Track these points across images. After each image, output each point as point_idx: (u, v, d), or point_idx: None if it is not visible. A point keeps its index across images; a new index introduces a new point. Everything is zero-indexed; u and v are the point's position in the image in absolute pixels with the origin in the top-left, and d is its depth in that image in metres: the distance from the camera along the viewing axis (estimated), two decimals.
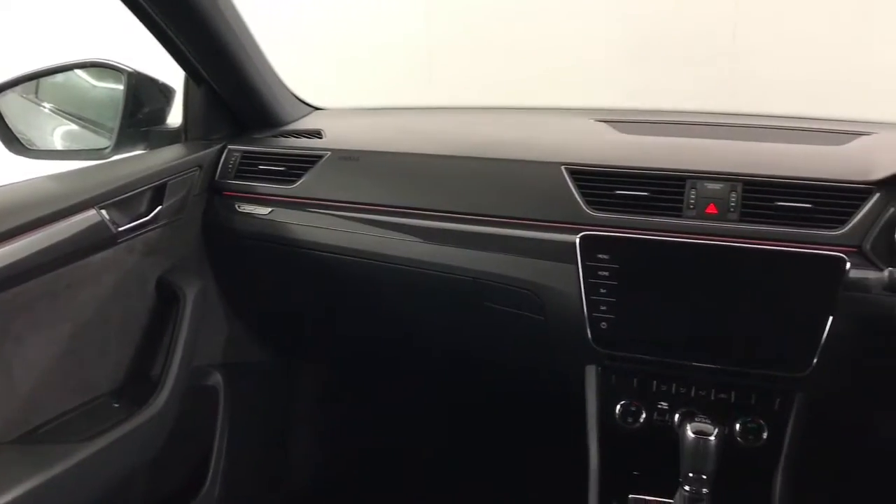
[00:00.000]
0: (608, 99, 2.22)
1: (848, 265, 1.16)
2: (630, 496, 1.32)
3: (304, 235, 1.49)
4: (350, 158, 1.51)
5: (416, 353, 1.71)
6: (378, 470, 2.00)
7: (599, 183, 1.32)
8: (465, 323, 1.45)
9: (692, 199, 1.26)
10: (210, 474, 1.63)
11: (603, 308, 1.26)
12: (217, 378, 1.65)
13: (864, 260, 1.17)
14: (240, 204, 1.54)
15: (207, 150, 1.57)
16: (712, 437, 1.14)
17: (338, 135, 1.60)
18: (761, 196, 1.24)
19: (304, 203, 1.50)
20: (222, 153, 1.59)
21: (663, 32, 2.59)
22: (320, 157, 1.52)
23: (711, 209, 1.25)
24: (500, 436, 1.97)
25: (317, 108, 1.81)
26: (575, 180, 1.33)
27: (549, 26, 2.74)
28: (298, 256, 1.49)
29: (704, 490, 1.15)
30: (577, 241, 1.26)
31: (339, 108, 1.86)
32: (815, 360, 1.18)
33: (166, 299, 1.50)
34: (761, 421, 1.26)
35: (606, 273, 1.25)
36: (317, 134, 1.61)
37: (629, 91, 2.52)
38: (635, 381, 1.31)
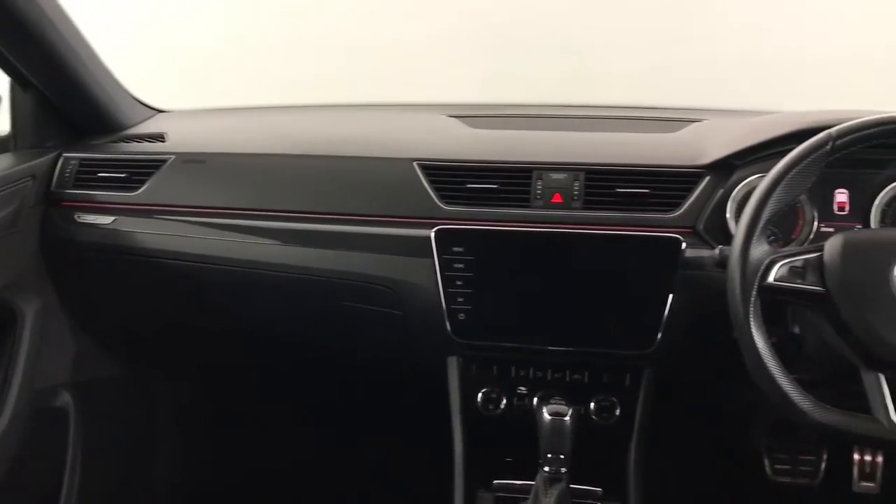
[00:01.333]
0: (460, 94, 2.25)
1: (684, 245, 1.24)
2: (495, 481, 1.36)
3: (150, 244, 1.43)
4: (196, 161, 1.46)
5: (275, 358, 1.68)
6: (245, 480, 1.95)
7: (451, 177, 1.34)
8: (324, 324, 1.43)
9: (539, 189, 1.30)
10: (63, 499, 1.55)
11: (460, 300, 1.28)
12: (66, 398, 1.57)
13: (698, 240, 1.25)
14: (79, 214, 1.46)
15: (40, 159, 1.48)
16: (567, 418, 1.19)
17: (182, 137, 1.55)
18: (602, 183, 1.30)
19: (149, 210, 1.44)
20: (57, 161, 1.50)
21: (512, 26, 2.65)
22: (164, 161, 1.46)
23: (557, 198, 1.30)
24: (366, 431, 1.97)
25: (159, 111, 1.74)
26: (427, 175, 1.34)
27: (400, 22, 2.74)
28: (145, 266, 1.43)
29: (563, 469, 1.19)
30: (432, 235, 1.28)
31: (184, 109, 1.79)
32: (658, 337, 1.25)
33: (1, 320, 1.41)
34: (614, 398, 1.32)
35: (462, 265, 1.28)
36: (159, 137, 1.55)
37: (480, 85, 2.56)
38: (495, 368, 1.35)
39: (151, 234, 1.43)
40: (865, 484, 1.64)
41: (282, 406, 1.98)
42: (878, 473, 1.64)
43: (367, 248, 1.33)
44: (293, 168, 1.43)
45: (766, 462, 1.73)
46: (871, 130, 1.08)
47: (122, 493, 1.78)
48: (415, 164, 1.35)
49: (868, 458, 1.67)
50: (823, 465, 1.72)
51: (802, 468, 1.72)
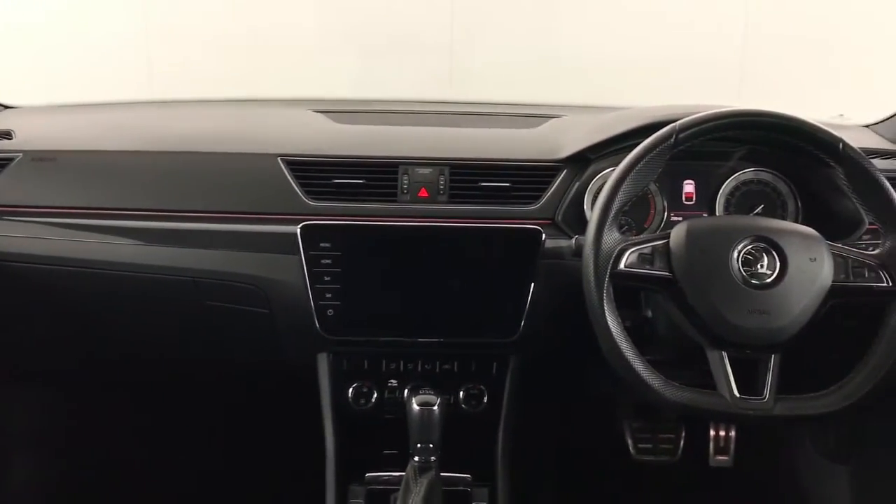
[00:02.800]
0: (326, 90, 2.24)
1: (543, 236, 1.28)
2: (367, 475, 1.36)
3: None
4: (46, 159, 1.39)
5: (139, 362, 1.62)
6: (110, 487, 1.88)
7: (317, 172, 1.33)
8: (190, 325, 1.40)
9: (405, 184, 1.32)
10: None
11: (328, 296, 1.28)
12: None
13: (557, 230, 1.30)
14: None
15: None
16: (436, 408, 1.21)
17: (31, 134, 1.47)
18: (466, 178, 1.33)
19: None
20: None
21: (378, 23, 2.66)
22: (10, 159, 1.38)
23: (423, 193, 1.32)
24: (237, 430, 1.94)
25: (6, 107, 1.64)
26: (292, 171, 1.33)
27: (267, 17, 2.70)
28: None
29: (433, 458, 1.21)
30: (298, 231, 1.27)
31: (34, 105, 1.70)
32: (522, 325, 1.29)
33: None
34: (482, 386, 1.36)
35: (329, 261, 1.28)
36: (6, 134, 1.46)
37: (346, 82, 2.57)
38: (365, 362, 1.36)
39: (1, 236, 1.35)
40: (720, 458, 1.75)
41: (146, 412, 1.92)
42: (732, 447, 1.75)
43: (232, 245, 1.31)
44: (152, 165, 1.38)
45: (630, 441, 1.82)
46: (712, 124, 1.15)
47: None
48: (279, 159, 1.34)
49: (722, 433, 1.78)
50: (682, 443, 1.82)
51: (663, 446, 1.82)
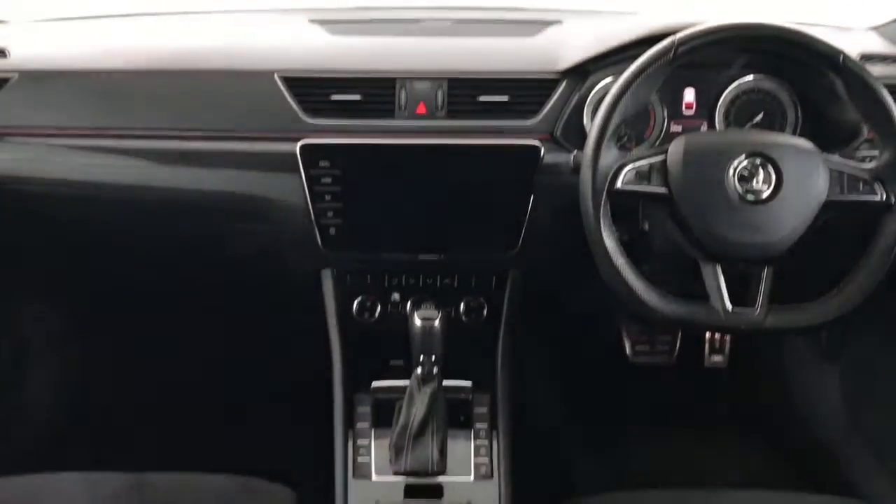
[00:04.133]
0: None
1: (542, 151, 1.28)
2: (373, 384, 1.42)
3: (3, 170, 1.36)
4: (45, 79, 1.38)
5: (148, 281, 1.66)
6: (126, 403, 1.96)
7: (314, 89, 1.32)
8: (195, 243, 1.43)
9: (403, 99, 1.31)
10: None
11: (330, 214, 1.30)
12: None
13: (556, 145, 1.30)
14: None
15: None
16: (437, 322, 1.25)
17: (27, 53, 1.44)
18: (464, 92, 1.31)
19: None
20: None
21: None
22: (6, 79, 1.37)
23: (421, 108, 1.31)
24: (244, 344, 2.00)
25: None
26: (290, 87, 1.32)
27: None
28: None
29: (435, 370, 1.26)
30: (298, 150, 1.27)
31: (27, 20, 1.66)
32: (521, 240, 1.31)
33: None
34: (482, 299, 1.39)
35: (329, 180, 1.29)
36: (1, 53, 1.44)
37: None
38: (368, 277, 1.39)
39: (6, 159, 1.36)
40: (715, 358, 1.81)
41: (159, 325, 1.97)
42: (726, 348, 1.81)
43: (232, 165, 1.32)
44: (149, 84, 1.37)
45: (627, 345, 1.88)
46: (712, 37, 1.13)
47: None
48: (276, 76, 1.33)
49: (717, 335, 1.83)
50: (678, 345, 1.88)
51: (659, 348, 1.88)
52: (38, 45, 1.51)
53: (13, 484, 1.28)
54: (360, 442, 1.37)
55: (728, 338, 1.81)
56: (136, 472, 1.29)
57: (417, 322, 1.26)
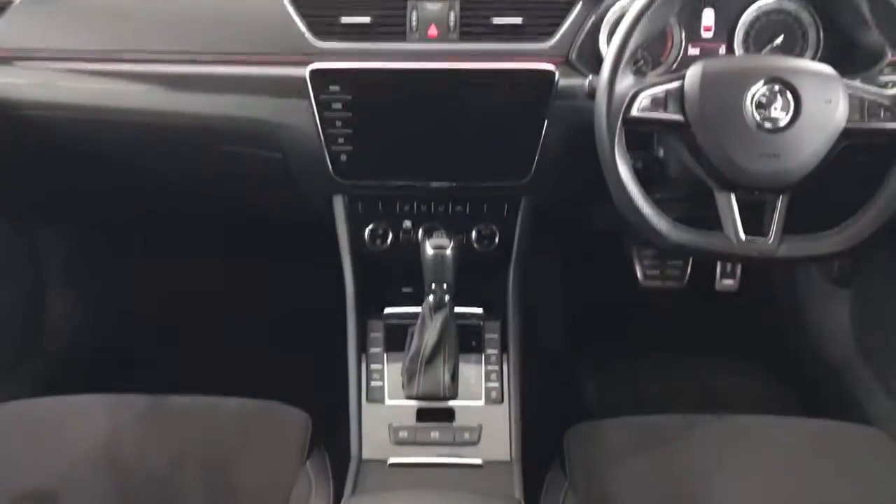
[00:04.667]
0: None
1: (557, 76, 1.26)
2: (385, 311, 1.44)
3: (10, 94, 1.35)
4: (49, 2, 1.35)
5: (159, 206, 1.66)
6: (140, 322, 1.99)
7: (322, 10, 1.29)
8: (206, 169, 1.42)
9: (414, 21, 1.28)
10: None
11: (340, 140, 1.29)
12: None
13: (571, 69, 1.27)
14: None
15: None
16: (449, 250, 1.25)
17: None
18: (477, 13, 1.28)
19: (2, 57, 1.34)
20: None
21: None
22: (9, 2, 1.35)
23: (433, 30, 1.28)
24: (258, 272, 2.02)
25: None
26: (297, 9, 1.29)
27: None
28: (10, 120, 1.36)
29: (446, 297, 1.28)
30: (307, 75, 1.25)
31: None
32: (534, 167, 1.30)
33: None
34: (493, 227, 1.39)
35: (340, 105, 1.27)
36: None
37: None
38: (380, 204, 1.39)
39: (11, 83, 1.34)
40: (726, 282, 1.81)
41: (173, 252, 1.99)
42: (737, 272, 1.81)
43: (241, 89, 1.30)
44: (157, 6, 1.34)
45: (638, 268, 1.88)
46: None
47: (16, 338, 1.79)
48: None
49: None
50: (689, 269, 1.88)
51: (670, 272, 1.88)
52: None
53: (35, 406, 1.32)
54: (373, 367, 1.40)
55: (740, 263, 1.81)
56: (154, 395, 1.32)
57: (429, 250, 1.26)
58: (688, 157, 1.14)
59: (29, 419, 1.30)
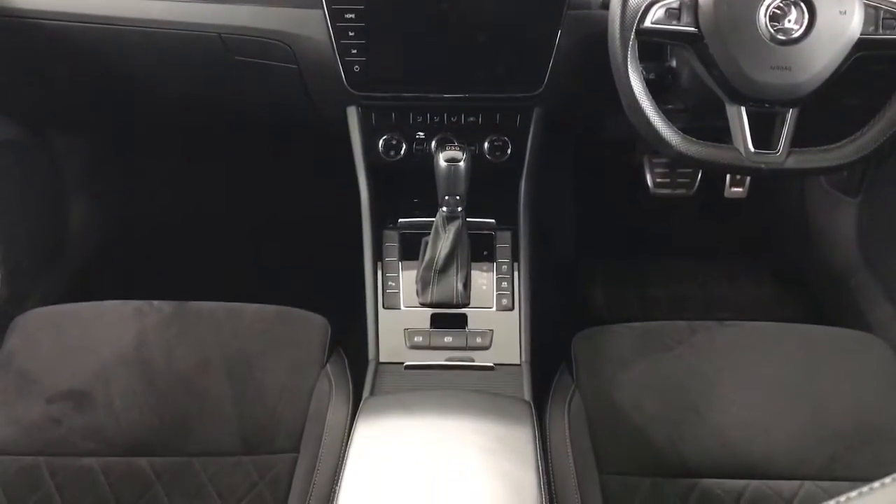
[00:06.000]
0: None
1: None
2: (400, 220, 1.47)
3: (23, 4, 1.34)
4: None
5: (176, 116, 1.67)
6: (160, 230, 2.03)
7: None
8: (220, 80, 1.42)
9: None
10: None
11: (354, 51, 1.29)
12: None
13: None
14: None
15: None
16: (462, 163, 1.27)
17: None
18: None
19: None
20: None
21: None
22: None
23: None
24: (274, 183, 2.04)
25: None
26: None
27: None
28: (20, 28, 1.36)
29: (459, 208, 1.31)
30: None
31: None
32: (546, 78, 1.31)
33: None
34: (506, 138, 1.41)
35: (353, 15, 1.27)
36: None
37: None
38: (393, 115, 1.40)
39: None
40: (735, 189, 1.83)
41: (192, 159, 2.01)
42: (747, 180, 1.83)
43: (255, 0, 1.30)
44: None
45: (648, 176, 1.89)
46: None
47: (42, 241, 1.84)
48: None
49: None
50: (699, 176, 1.90)
51: (680, 180, 1.90)
52: None
53: (63, 311, 1.37)
54: (388, 274, 1.44)
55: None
56: (179, 301, 1.37)
57: (442, 162, 1.28)
58: (700, 68, 1.15)
59: (57, 324, 1.35)
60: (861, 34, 1.09)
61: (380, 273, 1.44)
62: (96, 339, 1.32)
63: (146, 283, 1.55)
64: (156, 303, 1.37)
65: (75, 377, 1.27)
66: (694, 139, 1.15)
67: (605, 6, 1.16)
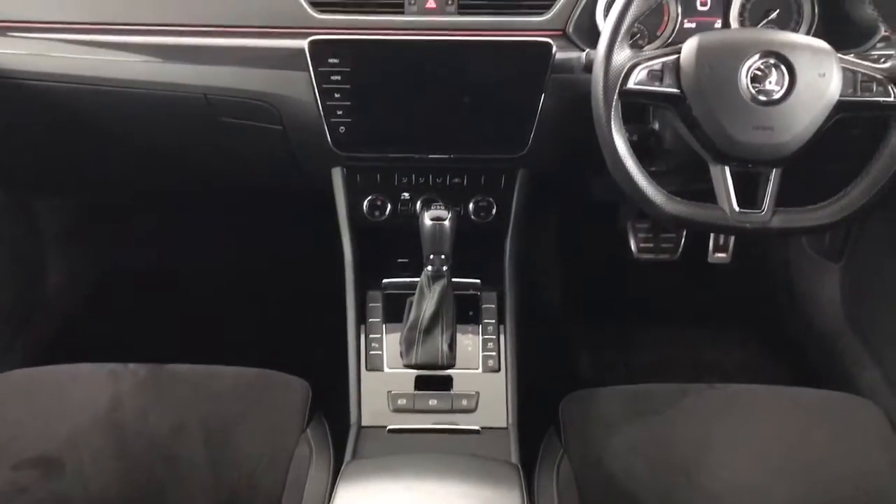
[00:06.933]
0: None
1: (554, 49, 1.27)
2: (384, 280, 1.45)
3: (6, 64, 1.35)
4: None
5: (158, 177, 1.67)
6: (137, 292, 2.00)
7: None
8: (204, 140, 1.43)
9: None
10: None
11: (339, 112, 1.30)
12: None
13: (568, 43, 1.28)
14: None
15: None
16: (447, 222, 1.27)
17: None
18: None
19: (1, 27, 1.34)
20: None
21: None
22: None
23: (431, 3, 1.29)
24: (258, 244, 2.03)
25: None
26: None
27: None
28: (7, 88, 1.36)
29: (444, 267, 1.29)
30: (306, 46, 1.26)
31: None
32: (531, 140, 1.31)
33: None
34: (491, 199, 1.41)
35: (338, 77, 1.28)
36: None
37: None
38: (378, 176, 1.40)
39: (6, 53, 1.34)
40: (719, 255, 1.83)
41: (174, 222, 2.00)
42: (730, 245, 1.83)
43: (241, 61, 1.30)
44: None
45: (632, 241, 1.90)
46: None
47: (17, 304, 1.81)
48: None
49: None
50: (682, 242, 1.90)
51: (664, 245, 1.90)
52: None
53: (36, 375, 1.34)
54: (372, 336, 1.42)
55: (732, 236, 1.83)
56: (155, 364, 1.34)
57: (427, 221, 1.28)
58: (683, 129, 1.16)
59: (31, 388, 1.31)
60: (840, 96, 1.11)
61: (363, 334, 1.42)
62: (68, 404, 1.28)
63: (123, 345, 1.52)
64: (131, 366, 1.33)
65: (45, 443, 1.22)
66: (679, 199, 1.15)
67: (588, 69, 1.17)
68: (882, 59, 1.15)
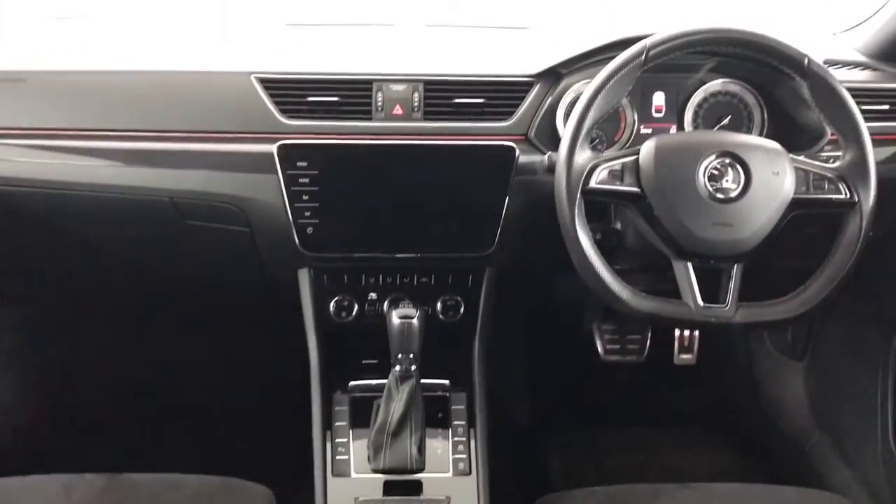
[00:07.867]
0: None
1: (517, 152, 1.31)
2: (350, 383, 1.43)
3: None
4: (16, 80, 1.37)
5: (122, 282, 1.65)
6: (98, 401, 1.94)
7: (291, 91, 1.33)
8: (171, 243, 1.42)
9: (380, 101, 1.32)
10: None
11: (307, 214, 1.31)
12: None
13: (530, 146, 1.33)
14: None
15: None
16: (415, 320, 1.26)
17: None
18: (440, 94, 1.33)
19: None
20: None
21: None
22: None
23: (398, 110, 1.33)
24: (222, 345, 1.99)
25: None
26: (266, 89, 1.32)
27: None
28: None
29: (413, 367, 1.28)
30: (275, 150, 1.28)
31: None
32: (496, 239, 1.33)
33: None
34: (458, 298, 1.41)
35: (307, 180, 1.30)
36: None
37: None
38: (345, 277, 1.40)
39: None
40: (684, 356, 1.85)
41: (136, 326, 1.96)
42: (695, 346, 1.85)
43: (209, 165, 1.32)
44: (125, 84, 1.36)
45: (598, 343, 1.90)
46: (682, 41, 1.17)
47: None
48: (252, 77, 1.33)
49: (686, 333, 1.87)
50: (648, 343, 1.91)
51: (630, 346, 1.91)
52: (10, 46, 1.50)
53: None
54: (338, 440, 1.38)
55: (697, 336, 1.85)
56: (113, 473, 1.28)
57: (395, 320, 1.27)
58: (645, 227, 1.19)
59: None
60: (795, 193, 1.15)
61: (329, 439, 1.38)
62: None
63: (79, 454, 1.46)
64: (88, 476, 1.28)
65: None
66: (644, 294, 1.17)
67: (551, 170, 1.21)
68: (831, 160, 1.21)
